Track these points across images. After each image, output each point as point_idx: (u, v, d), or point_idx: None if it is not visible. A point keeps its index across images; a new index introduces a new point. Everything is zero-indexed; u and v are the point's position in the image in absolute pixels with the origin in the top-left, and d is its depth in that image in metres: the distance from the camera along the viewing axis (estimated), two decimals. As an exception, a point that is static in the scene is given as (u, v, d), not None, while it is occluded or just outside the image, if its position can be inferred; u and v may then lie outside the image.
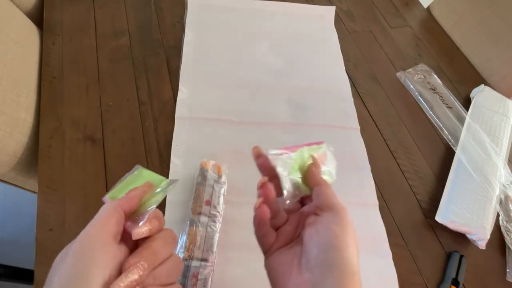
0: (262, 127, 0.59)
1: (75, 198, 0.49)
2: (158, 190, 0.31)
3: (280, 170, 0.30)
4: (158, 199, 0.29)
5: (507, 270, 0.51)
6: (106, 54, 0.65)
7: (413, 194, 0.57)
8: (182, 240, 0.45)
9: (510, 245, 0.53)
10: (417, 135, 0.63)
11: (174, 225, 0.47)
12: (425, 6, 0.87)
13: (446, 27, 0.82)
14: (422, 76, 0.70)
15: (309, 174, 0.32)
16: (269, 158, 0.31)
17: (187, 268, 0.43)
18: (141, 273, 0.24)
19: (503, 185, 0.56)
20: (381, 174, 0.58)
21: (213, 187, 0.49)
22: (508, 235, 0.53)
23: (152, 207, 0.28)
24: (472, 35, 0.77)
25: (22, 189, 0.64)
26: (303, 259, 0.27)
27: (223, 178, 0.50)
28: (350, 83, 0.68)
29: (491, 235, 0.51)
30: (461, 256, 0.51)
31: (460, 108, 0.65)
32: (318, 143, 0.34)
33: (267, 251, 0.31)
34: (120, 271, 0.24)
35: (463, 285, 0.49)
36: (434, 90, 0.68)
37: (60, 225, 0.47)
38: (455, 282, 0.49)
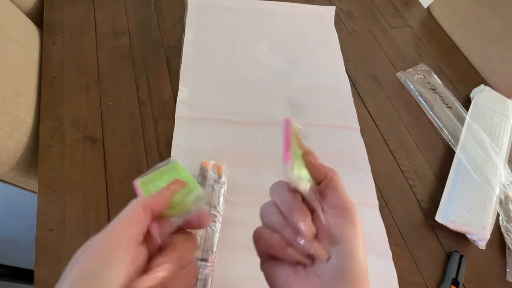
0: (262, 127, 0.59)
1: (75, 198, 0.49)
2: (190, 197, 0.29)
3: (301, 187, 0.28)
4: (187, 207, 0.29)
5: (507, 270, 0.51)
6: (106, 54, 0.65)
7: (413, 194, 0.57)
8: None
9: (510, 245, 0.53)
10: (417, 135, 0.63)
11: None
12: (425, 6, 0.87)
13: (446, 27, 0.82)
14: (422, 76, 0.70)
15: (310, 167, 0.30)
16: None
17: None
18: (166, 275, 0.24)
19: (503, 185, 0.56)
20: (381, 174, 0.58)
21: (213, 187, 0.49)
22: (508, 235, 0.53)
23: (178, 219, 0.28)
24: (472, 35, 0.77)
25: (22, 189, 0.64)
26: (313, 267, 0.26)
27: (223, 178, 0.50)
28: (350, 83, 0.68)
29: (491, 235, 0.51)
30: (461, 256, 0.51)
31: (460, 108, 0.65)
32: (286, 125, 0.32)
33: (265, 256, 0.30)
34: (139, 273, 0.24)
35: (463, 285, 0.49)
36: (434, 90, 0.68)
37: (60, 225, 0.47)
38: (455, 282, 0.49)
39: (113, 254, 0.23)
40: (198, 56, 0.67)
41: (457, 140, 0.61)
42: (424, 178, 0.59)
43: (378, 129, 0.63)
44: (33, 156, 0.58)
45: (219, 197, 0.49)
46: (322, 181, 0.29)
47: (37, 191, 0.49)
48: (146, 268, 0.24)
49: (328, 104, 0.64)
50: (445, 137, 0.63)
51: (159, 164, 0.32)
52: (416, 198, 0.56)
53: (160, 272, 0.24)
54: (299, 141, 0.32)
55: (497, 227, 0.54)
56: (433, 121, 0.65)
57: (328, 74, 0.69)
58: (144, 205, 0.26)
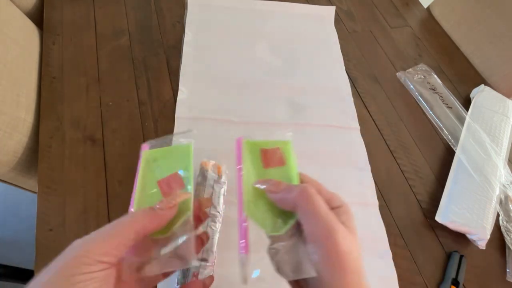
0: (262, 127, 0.59)
1: (75, 198, 0.49)
2: (179, 221, 0.27)
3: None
4: (173, 230, 0.26)
5: (507, 270, 0.51)
6: (106, 54, 0.65)
7: (413, 194, 0.57)
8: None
9: (510, 245, 0.53)
10: (417, 135, 0.63)
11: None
12: (425, 6, 0.87)
13: (446, 27, 0.81)
14: (422, 76, 0.70)
15: (277, 203, 0.26)
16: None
17: (187, 268, 0.43)
18: None
19: (503, 185, 0.56)
20: (381, 174, 0.58)
21: (213, 187, 0.49)
22: (508, 235, 0.53)
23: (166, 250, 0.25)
24: (472, 35, 0.77)
25: (22, 189, 0.64)
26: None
27: (223, 178, 0.50)
28: (350, 83, 0.68)
29: (491, 235, 0.51)
30: (461, 256, 0.51)
31: (460, 108, 0.65)
32: (238, 149, 0.29)
33: None
34: None
35: (463, 285, 0.49)
36: (434, 90, 0.68)
37: (60, 225, 0.47)
38: (455, 282, 0.49)
39: (76, 278, 0.21)
40: (198, 56, 0.66)
41: (457, 140, 0.61)
42: (424, 178, 0.59)
43: (378, 129, 0.63)
44: (33, 156, 0.58)
45: (219, 197, 0.49)
46: (296, 211, 0.25)
47: (37, 191, 0.49)
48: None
49: (328, 104, 0.64)
50: (445, 137, 0.63)
51: (176, 134, 0.31)
52: (416, 198, 0.56)
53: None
54: (263, 156, 0.29)
55: (497, 227, 0.54)
56: (433, 121, 0.65)
57: (328, 74, 0.69)
58: (140, 231, 0.24)
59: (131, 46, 0.67)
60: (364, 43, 0.76)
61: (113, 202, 0.50)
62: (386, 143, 0.62)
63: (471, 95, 0.69)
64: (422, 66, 0.72)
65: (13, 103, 0.53)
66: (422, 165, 0.60)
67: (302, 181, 0.28)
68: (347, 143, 0.60)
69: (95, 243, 0.23)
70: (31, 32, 0.65)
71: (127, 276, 0.25)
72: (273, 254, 0.26)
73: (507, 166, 0.59)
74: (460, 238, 0.53)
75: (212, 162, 0.51)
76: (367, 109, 0.65)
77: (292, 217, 0.26)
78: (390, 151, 0.61)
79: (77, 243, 0.23)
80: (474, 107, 0.65)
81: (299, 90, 0.65)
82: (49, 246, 0.46)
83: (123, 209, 0.28)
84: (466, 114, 0.64)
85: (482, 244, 0.51)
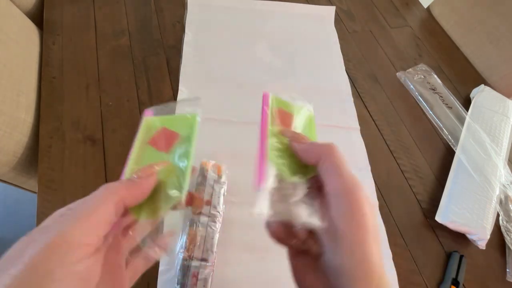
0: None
1: (75, 198, 0.49)
2: (169, 199, 0.25)
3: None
4: (162, 209, 0.24)
5: (507, 270, 0.51)
6: (106, 54, 0.65)
7: (413, 194, 0.57)
8: (182, 240, 0.45)
9: (510, 245, 0.53)
10: (417, 135, 0.63)
11: (174, 225, 0.47)
12: (425, 6, 0.87)
13: (446, 27, 0.81)
14: (422, 76, 0.70)
15: (299, 155, 0.25)
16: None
17: (187, 268, 0.43)
18: None
19: (503, 185, 0.56)
20: (381, 174, 0.58)
21: (213, 187, 0.49)
22: (508, 235, 0.53)
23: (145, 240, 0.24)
24: (472, 35, 0.77)
25: (22, 189, 0.64)
26: (319, 261, 0.24)
27: (223, 178, 0.50)
28: (350, 83, 0.68)
29: (491, 235, 0.51)
30: (461, 256, 0.51)
31: (460, 108, 0.65)
32: (265, 102, 0.28)
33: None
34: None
35: (463, 285, 0.49)
36: (434, 90, 0.68)
37: (60, 225, 0.47)
38: (455, 282, 0.49)
39: (55, 274, 0.18)
40: (198, 56, 0.66)
41: (457, 140, 0.61)
42: (424, 178, 0.59)
43: (378, 129, 0.63)
44: (33, 156, 0.58)
45: (219, 197, 0.49)
46: (318, 164, 0.24)
47: (37, 191, 0.49)
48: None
49: (328, 104, 0.64)
50: (445, 137, 0.63)
51: (183, 100, 0.29)
52: (416, 198, 0.56)
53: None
54: (288, 117, 0.28)
55: (497, 227, 0.54)
56: (433, 121, 0.65)
57: (328, 74, 0.69)
58: (118, 201, 0.21)
59: (131, 46, 0.67)
60: (364, 43, 0.76)
61: (113, 202, 0.50)
62: (386, 143, 0.62)
63: (471, 95, 0.69)
64: (422, 66, 0.72)
65: (13, 103, 0.53)
66: (422, 165, 0.60)
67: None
68: (347, 143, 0.60)
69: (75, 224, 0.20)
70: (31, 32, 0.65)
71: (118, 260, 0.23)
72: (284, 198, 0.25)
73: (507, 166, 0.58)
74: (460, 238, 0.53)
75: (212, 162, 0.51)
76: (367, 109, 0.65)
77: (310, 171, 0.25)
78: (390, 151, 0.61)
79: (55, 224, 0.20)
80: (474, 107, 0.65)
81: (299, 90, 0.65)
82: (49, 246, 0.45)
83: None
84: (466, 114, 0.64)
85: (482, 244, 0.51)
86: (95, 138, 0.55)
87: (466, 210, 0.52)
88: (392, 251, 0.50)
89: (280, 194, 0.25)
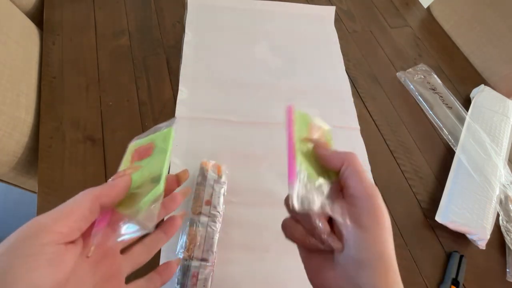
0: (262, 127, 0.59)
1: (75, 198, 0.49)
2: (149, 195, 0.26)
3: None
4: (141, 206, 0.26)
5: (507, 270, 0.51)
6: (106, 54, 0.65)
7: (413, 194, 0.57)
8: (182, 240, 0.45)
9: (510, 245, 0.53)
10: (417, 135, 0.63)
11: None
12: (425, 6, 0.87)
13: (446, 27, 0.82)
14: (422, 76, 0.70)
15: (323, 161, 0.28)
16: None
17: (187, 268, 0.43)
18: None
19: (503, 185, 0.56)
20: (381, 174, 0.58)
21: (213, 187, 0.49)
22: (508, 235, 0.53)
23: (133, 232, 0.25)
24: (472, 35, 0.77)
25: (22, 189, 0.64)
26: (338, 257, 0.26)
27: (223, 178, 0.50)
28: (350, 83, 0.68)
29: (491, 235, 0.51)
30: (461, 256, 0.51)
31: (460, 108, 0.65)
32: (289, 115, 0.30)
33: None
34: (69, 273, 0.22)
35: (463, 285, 0.49)
36: (434, 90, 0.68)
37: (60, 225, 0.47)
38: (455, 282, 0.49)
39: (25, 250, 0.20)
40: (198, 56, 0.67)
41: (457, 140, 0.61)
42: (424, 178, 0.59)
43: (378, 129, 0.63)
44: (33, 156, 0.58)
45: (219, 197, 0.49)
46: (340, 169, 0.27)
47: (37, 191, 0.49)
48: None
49: (328, 104, 0.64)
50: (445, 137, 0.63)
51: (160, 125, 0.31)
52: (416, 198, 0.56)
53: None
54: (309, 129, 0.31)
55: (497, 227, 0.54)
56: (433, 121, 0.65)
57: (328, 74, 0.69)
58: (93, 199, 0.24)
59: (131, 46, 0.67)
60: (364, 43, 0.76)
61: (113, 202, 0.50)
62: (386, 143, 0.62)
63: (471, 95, 0.69)
64: (422, 66, 0.72)
65: (13, 103, 0.53)
66: (422, 165, 0.60)
67: None
68: (347, 143, 0.60)
69: (48, 217, 0.22)
70: (31, 32, 0.65)
71: (93, 241, 0.24)
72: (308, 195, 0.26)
73: (507, 166, 0.59)
74: (460, 238, 0.53)
75: (212, 162, 0.51)
76: (367, 109, 0.65)
77: (331, 176, 0.28)
78: (390, 151, 0.61)
79: (31, 220, 0.22)
80: (474, 107, 0.65)
81: (299, 90, 0.65)
82: (49, 246, 0.45)
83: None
84: (466, 114, 0.64)
85: (482, 244, 0.51)
86: (95, 138, 0.55)
87: (466, 210, 0.52)
88: (392, 251, 0.50)
89: (308, 190, 0.27)
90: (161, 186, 0.26)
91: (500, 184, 0.56)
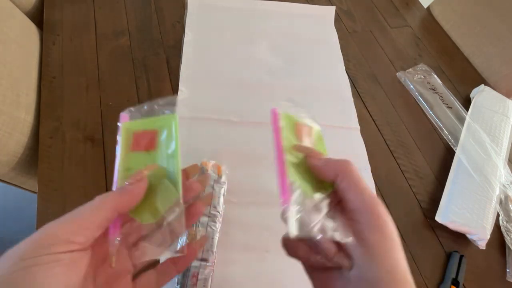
0: (262, 127, 0.59)
1: (75, 198, 0.49)
2: (166, 200, 0.25)
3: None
4: (161, 212, 0.25)
5: (507, 270, 0.51)
6: (106, 54, 0.65)
7: (413, 194, 0.57)
8: (182, 240, 0.45)
9: (510, 245, 0.53)
10: (417, 135, 0.63)
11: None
12: (425, 6, 0.87)
13: (446, 27, 0.82)
14: (422, 76, 0.70)
15: (317, 173, 0.26)
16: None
17: (187, 268, 0.43)
18: None
19: (503, 185, 0.56)
20: (381, 174, 0.58)
21: (213, 187, 0.49)
22: (508, 235, 0.53)
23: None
24: (472, 35, 0.77)
25: (22, 189, 0.64)
26: (348, 274, 0.24)
27: (223, 178, 0.50)
28: (350, 83, 0.68)
29: (491, 235, 0.51)
30: (461, 256, 0.51)
31: (460, 108, 0.65)
32: (275, 119, 0.28)
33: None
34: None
35: (463, 285, 0.49)
36: (434, 90, 0.68)
37: (60, 225, 0.47)
38: (455, 282, 0.49)
39: (40, 259, 0.20)
40: (198, 56, 0.66)
41: (457, 140, 0.61)
42: (424, 178, 0.59)
43: (378, 129, 0.63)
44: (33, 156, 0.58)
45: (219, 197, 0.49)
46: (336, 181, 0.26)
47: (37, 191, 0.49)
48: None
49: (328, 104, 0.64)
50: (445, 137, 0.63)
51: (160, 102, 0.28)
52: (416, 198, 0.56)
53: None
54: (297, 131, 0.29)
55: (497, 227, 0.54)
56: (433, 121, 0.65)
57: (328, 74, 0.69)
58: (112, 209, 0.23)
59: (131, 46, 0.67)
60: (364, 43, 0.76)
61: (113, 202, 0.50)
62: (386, 143, 0.62)
63: (471, 95, 0.69)
64: (422, 66, 0.72)
65: (13, 103, 0.53)
66: (422, 165, 0.60)
67: None
68: (347, 143, 0.60)
69: (62, 224, 0.22)
70: (31, 32, 0.65)
71: (113, 251, 0.24)
72: (307, 216, 0.25)
73: (507, 166, 0.59)
74: (460, 238, 0.53)
75: (212, 162, 0.51)
76: (367, 109, 0.65)
77: (328, 187, 0.26)
78: (390, 151, 0.61)
79: (45, 225, 0.22)
80: (474, 107, 0.65)
81: (299, 90, 0.65)
82: (49, 246, 0.45)
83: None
84: (466, 114, 0.64)
85: (482, 244, 0.51)
86: (95, 138, 0.55)
87: (466, 210, 0.52)
88: (392, 251, 0.50)
89: (305, 211, 0.25)
90: (178, 190, 0.25)
91: (500, 184, 0.56)
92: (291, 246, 0.27)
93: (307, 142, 0.29)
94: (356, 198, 0.24)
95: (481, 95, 0.67)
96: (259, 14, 0.76)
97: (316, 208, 0.25)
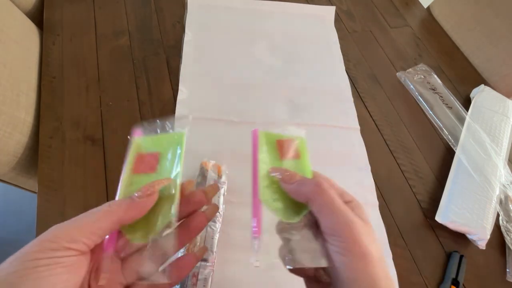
0: (262, 127, 0.59)
1: (75, 198, 0.49)
2: (163, 218, 0.25)
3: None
4: (156, 229, 0.25)
5: (507, 270, 0.51)
6: (106, 54, 0.65)
7: (413, 194, 0.57)
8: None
9: (510, 245, 0.53)
10: (417, 135, 0.63)
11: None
12: (425, 6, 0.87)
13: (446, 27, 0.82)
14: (422, 76, 0.70)
15: (291, 195, 0.26)
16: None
17: (187, 268, 0.43)
18: None
19: (503, 185, 0.56)
20: (381, 174, 0.58)
21: (213, 187, 0.49)
22: (508, 235, 0.53)
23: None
24: (472, 35, 0.77)
25: (22, 189, 0.64)
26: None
27: (223, 178, 0.50)
28: (350, 83, 0.68)
29: (491, 235, 0.51)
30: (461, 256, 0.51)
31: (460, 108, 0.65)
32: (254, 141, 0.28)
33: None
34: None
35: (463, 285, 0.49)
36: (434, 90, 0.68)
37: (60, 225, 0.47)
38: (455, 282, 0.49)
39: (42, 261, 0.21)
40: (198, 56, 0.67)
41: (457, 140, 0.61)
42: (424, 178, 0.59)
43: (378, 129, 0.63)
44: (33, 156, 0.58)
45: (219, 197, 0.49)
46: (309, 203, 0.25)
47: (37, 191, 0.49)
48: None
49: (328, 104, 0.64)
50: (445, 137, 0.63)
51: (170, 124, 0.29)
52: (416, 198, 0.56)
53: None
54: (278, 148, 0.29)
55: (497, 227, 0.54)
56: (433, 121, 0.65)
57: (328, 74, 0.69)
58: (118, 222, 0.23)
59: (131, 46, 0.67)
60: (364, 43, 0.76)
61: (113, 202, 0.50)
62: (386, 143, 0.62)
63: (471, 95, 0.69)
64: (422, 66, 0.72)
65: (13, 103, 0.53)
66: (422, 165, 0.60)
67: (314, 177, 0.28)
68: (347, 143, 0.60)
69: (65, 229, 0.22)
70: (31, 32, 0.65)
71: (106, 268, 0.24)
72: (286, 241, 0.26)
73: (507, 166, 0.59)
74: (460, 238, 0.53)
75: (212, 162, 0.51)
76: (367, 109, 0.65)
77: (305, 208, 0.26)
78: (390, 151, 0.61)
79: (53, 227, 0.23)
80: (474, 107, 0.65)
81: (299, 90, 0.65)
82: (49, 246, 0.45)
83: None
84: (466, 114, 0.64)
85: (482, 244, 0.51)
86: (95, 138, 0.55)
87: (466, 210, 0.52)
88: (392, 251, 0.50)
89: (282, 237, 0.26)
90: (174, 212, 0.25)
91: (500, 184, 0.56)
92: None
93: (291, 155, 0.29)
94: (327, 220, 0.24)
95: (481, 95, 0.67)
96: (259, 14, 0.76)
97: (292, 231, 0.25)
